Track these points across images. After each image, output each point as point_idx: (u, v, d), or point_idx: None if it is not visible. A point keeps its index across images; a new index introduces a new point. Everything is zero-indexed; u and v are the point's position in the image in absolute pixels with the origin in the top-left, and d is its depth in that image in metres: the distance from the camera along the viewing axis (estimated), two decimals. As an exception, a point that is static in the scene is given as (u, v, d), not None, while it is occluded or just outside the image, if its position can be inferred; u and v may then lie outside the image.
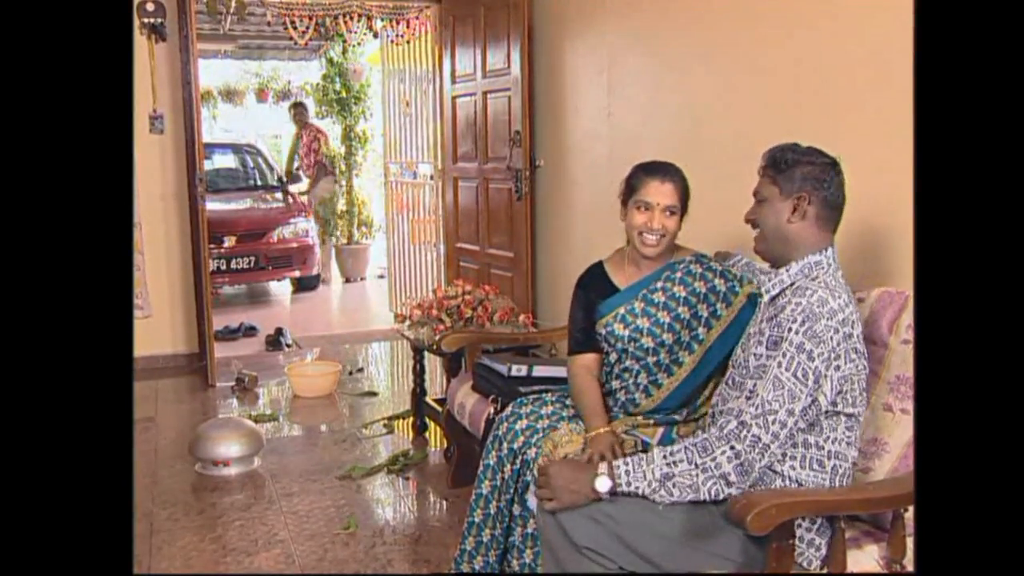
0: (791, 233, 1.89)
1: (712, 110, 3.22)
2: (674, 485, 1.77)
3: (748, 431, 1.74)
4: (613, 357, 2.40)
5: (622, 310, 2.37)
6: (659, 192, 2.29)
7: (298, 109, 8.96)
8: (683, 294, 2.32)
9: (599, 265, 2.54)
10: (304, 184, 8.73)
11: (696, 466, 1.76)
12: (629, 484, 1.80)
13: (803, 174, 1.88)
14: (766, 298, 1.93)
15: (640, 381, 2.35)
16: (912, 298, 2.04)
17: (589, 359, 2.45)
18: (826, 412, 1.80)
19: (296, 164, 8.77)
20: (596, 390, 2.38)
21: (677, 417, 2.34)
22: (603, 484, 1.81)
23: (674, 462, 1.78)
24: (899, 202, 2.20)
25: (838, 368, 1.76)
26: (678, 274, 2.35)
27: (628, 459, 1.84)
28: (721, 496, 1.75)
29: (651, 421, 2.33)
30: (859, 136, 2.45)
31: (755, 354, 1.86)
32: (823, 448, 1.82)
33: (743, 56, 3.03)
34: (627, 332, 2.34)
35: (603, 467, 1.84)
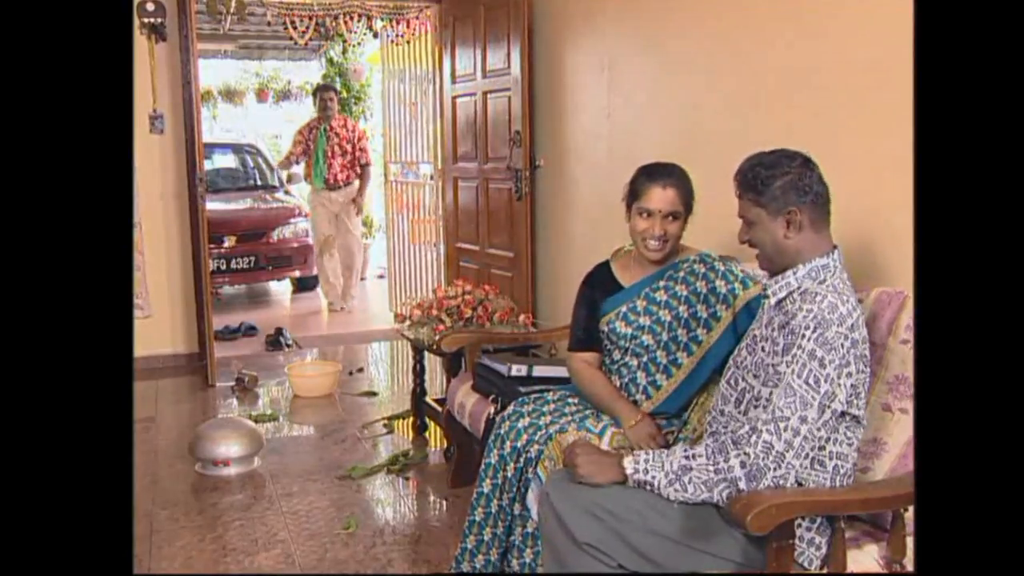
0: (791, 247, 1.87)
1: (712, 110, 3.22)
2: (689, 480, 1.76)
3: (759, 437, 1.73)
4: (616, 355, 2.41)
5: (624, 308, 2.39)
6: (661, 199, 2.30)
7: (327, 94, 6.85)
8: (684, 293, 2.33)
9: (606, 264, 2.55)
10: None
11: (712, 465, 1.76)
12: (647, 472, 1.80)
13: (783, 187, 1.85)
14: (772, 300, 1.91)
15: (639, 382, 2.36)
16: (910, 298, 2.04)
17: (590, 356, 2.48)
18: (844, 415, 1.80)
19: (323, 165, 6.65)
20: (606, 380, 2.40)
21: (672, 425, 2.35)
22: (631, 465, 1.83)
23: (693, 455, 1.78)
24: (897, 201, 2.20)
25: (850, 375, 1.75)
26: (681, 273, 2.36)
27: (646, 452, 1.85)
28: (731, 496, 1.74)
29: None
30: (858, 135, 2.46)
31: (772, 364, 1.83)
32: (824, 448, 1.81)
33: (743, 56, 3.03)
34: (629, 330, 2.35)
35: (628, 456, 1.86)
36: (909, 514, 1.75)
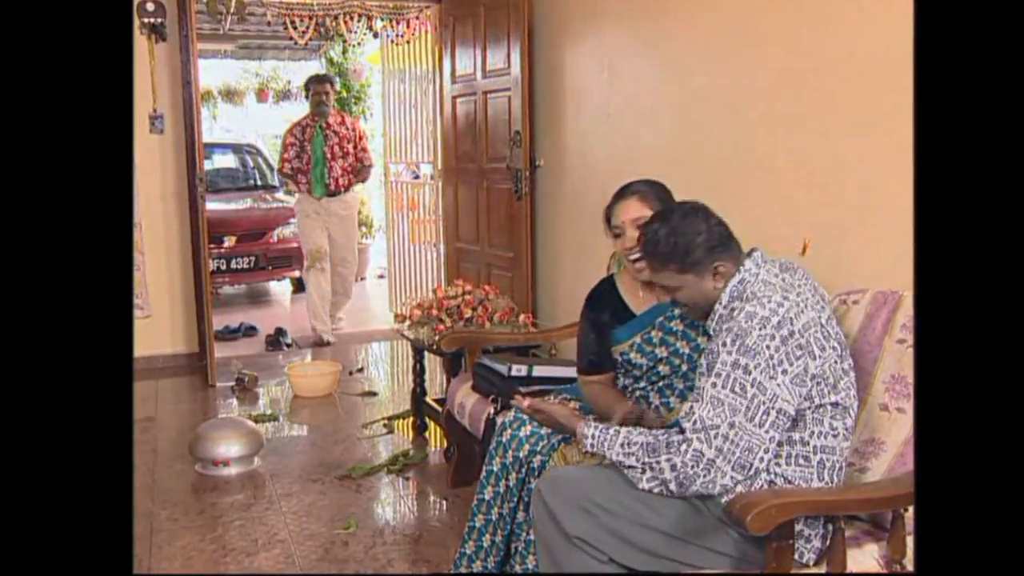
0: (719, 291, 1.90)
1: (712, 110, 3.22)
2: (627, 467, 1.83)
3: (689, 446, 1.74)
4: (627, 381, 2.39)
5: (639, 339, 2.35)
6: (623, 210, 2.29)
7: (321, 87, 5.84)
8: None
9: (610, 281, 2.50)
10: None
11: (643, 464, 1.80)
12: (593, 447, 1.91)
13: (704, 248, 1.88)
14: (712, 333, 1.91)
15: (652, 401, 2.35)
16: (905, 297, 2.04)
17: (604, 377, 2.44)
18: (810, 407, 1.80)
19: (323, 169, 5.80)
20: (614, 392, 2.38)
21: None
22: (584, 435, 1.93)
23: (628, 454, 1.83)
24: (894, 202, 2.20)
25: (785, 372, 1.75)
26: None
27: (602, 431, 1.91)
28: (665, 494, 1.79)
29: None
30: (857, 135, 2.45)
31: (700, 377, 1.85)
32: (808, 444, 1.82)
33: (743, 56, 3.02)
34: (645, 361, 2.32)
35: (584, 428, 1.95)
36: (909, 514, 1.75)
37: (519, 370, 2.86)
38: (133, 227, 4.87)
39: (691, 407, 1.79)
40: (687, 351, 2.27)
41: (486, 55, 4.82)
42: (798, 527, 1.79)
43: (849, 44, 2.53)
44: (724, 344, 1.76)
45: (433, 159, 5.82)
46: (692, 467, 1.74)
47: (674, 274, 1.92)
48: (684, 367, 2.28)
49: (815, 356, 1.78)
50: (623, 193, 2.32)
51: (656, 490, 1.79)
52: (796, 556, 1.79)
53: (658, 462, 1.77)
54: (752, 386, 1.73)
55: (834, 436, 1.84)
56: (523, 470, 2.29)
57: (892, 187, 2.27)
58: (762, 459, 1.76)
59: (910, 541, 1.75)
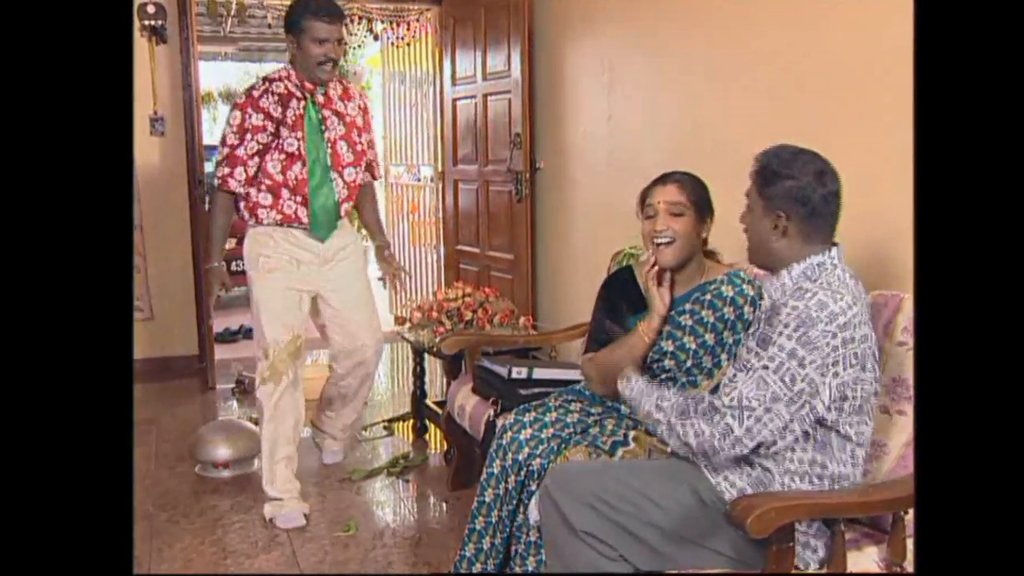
0: (774, 250, 1.88)
1: (712, 113, 3.22)
2: (655, 423, 1.90)
3: (722, 419, 1.75)
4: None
5: None
6: (660, 193, 2.27)
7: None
8: (711, 320, 2.27)
9: (628, 270, 2.51)
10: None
11: (669, 422, 1.84)
12: (631, 391, 2.01)
13: (785, 191, 1.83)
14: (767, 303, 1.90)
15: None
16: (906, 300, 2.04)
17: None
18: (830, 429, 1.78)
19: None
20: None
21: None
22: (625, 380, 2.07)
23: (659, 408, 1.89)
24: (895, 205, 2.20)
25: (836, 375, 1.73)
26: (707, 296, 2.29)
27: (645, 382, 2.02)
28: (683, 453, 1.87)
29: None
30: (858, 139, 2.45)
31: (747, 347, 1.85)
32: (827, 468, 1.81)
33: (743, 59, 3.03)
34: (651, 353, 2.33)
35: (632, 372, 2.08)
36: (909, 516, 1.75)
37: (519, 372, 2.86)
38: (133, 229, 4.87)
39: (734, 378, 1.79)
40: (693, 347, 2.27)
41: (486, 57, 4.83)
42: (804, 537, 1.79)
43: (850, 46, 2.53)
44: (787, 326, 1.73)
45: (433, 161, 5.82)
46: (718, 440, 1.75)
47: (755, 190, 1.90)
48: (689, 363, 2.28)
49: (863, 376, 1.77)
50: (665, 179, 2.32)
51: (682, 451, 1.85)
52: (801, 564, 1.79)
53: (683, 425, 1.80)
54: (803, 380, 1.71)
55: (852, 465, 1.83)
56: (522, 473, 2.29)
57: (889, 190, 2.27)
58: (777, 442, 1.78)
59: (910, 543, 1.75)
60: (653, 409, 1.90)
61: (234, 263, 6.92)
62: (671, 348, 2.28)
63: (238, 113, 2.98)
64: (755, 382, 1.73)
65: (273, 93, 3.01)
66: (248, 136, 2.97)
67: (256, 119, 2.97)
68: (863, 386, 1.78)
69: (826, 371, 1.72)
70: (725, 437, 1.75)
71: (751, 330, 1.95)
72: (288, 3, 3.86)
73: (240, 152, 2.97)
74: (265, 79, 3.08)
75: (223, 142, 3.00)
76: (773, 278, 1.90)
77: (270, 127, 2.99)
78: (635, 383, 2.02)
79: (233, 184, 3.00)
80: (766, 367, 1.73)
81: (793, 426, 1.75)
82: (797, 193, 1.82)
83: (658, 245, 2.25)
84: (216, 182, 3.04)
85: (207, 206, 3.19)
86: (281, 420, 3.07)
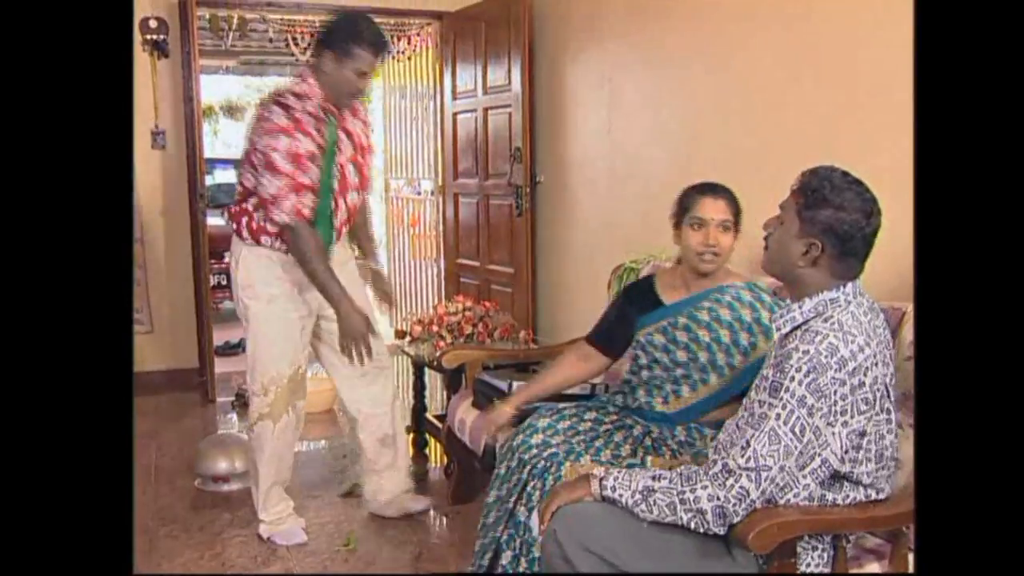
0: (798, 275, 1.76)
1: (712, 126, 3.23)
2: (654, 502, 1.71)
3: (737, 482, 1.65)
4: (643, 360, 2.41)
5: (664, 323, 2.39)
6: (713, 208, 2.31)
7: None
8: (728, 318, 2.31)
9: (649, 279, 2.56)
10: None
11: (676, 492, 1.70)
12: (614, 490, 1.77)
13: (827, 221, 1.71)
14: (776, 336, 1.83)
15: (664, 387, 2.36)
16: (908, 314, 2.03)
17: (592, 352, 2.56)
18: (844, 478, 1.74)
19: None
20: (557, 376, 2.59)
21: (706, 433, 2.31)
22: (598, 483, 1.81)
23: (659, 476, 1.74)
24: (896, 216, 2.20)
25: (846, 424, 1.66)
26: (727, 297, 2.34)
27: (619, 470, 1.83)
28: (701, 530, 1.67)
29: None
30: (859, 151, 2.46)
31: (758, 400, 1.72)
32: (839, 505, 1.77)
33: (744, 72, 3.04)
34: (664, 341, 2.35)
35: (599, 470, 1.86)
36: (910, 530, 1.74)
37: (519, 387, 2.85)
38: (134, 242, 4.87)
39: (747, 439, 1.67)
40: (708, 340, 2.30)
41: (487, 71, 4.84)
42: (808, 555, 1.76)
43: (850, 59, 2.54)
44: (799, 371, 1.64)
45: (434, 175, 5.83)
46: (734, 504, 1.64)
47: (792, 207, 1.75)
48: (703, 356, 2.29)
49: (876, 420, 1.71)
50: (714, 190, 2.35)
51: (693, 523, 1.67)
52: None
53: (695, 491, 1.67)
54: (810, 430, 1.64)
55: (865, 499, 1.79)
56: (525, 471, 2.28)
57: (891, 202, 2.27)
58: (791, 500, 1.69)
59: (911, 556, 1.75)
60: (650, 482, 1.73)
61: (219, 278, 6.91)
62: (685, 339, 2.32)
63: (285, 138, 2.72)
64: (768, 437, 1.65)
65: (307, 113, 2.79)
66: (305, 162, 2.75)
67: (307, 144, 2.75)
68: (878, 428, 1.72)
69: (834, 420, 1.65)
70: (740, 501, 1.64)
71: (760, 376, 1.82)
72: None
73: (304, 180, 2.75)
74: (295, 94, 2.80)
75: (270, 166, 2.74)
76: (784, 303, 1.86)
77: (318, 154, 2.79)
78: (610, 471, 1.82)
79: (308, 212, 2.80)
80: (778, 415, 1.65)
81: (807, 481, 1.69)
82: (840, 227, 1.71)
83: (703, 254, 2.33)
84: (283, 218, 2.79)
85: (280, 245, 2.99)
86: (280, 459, 3.01)
